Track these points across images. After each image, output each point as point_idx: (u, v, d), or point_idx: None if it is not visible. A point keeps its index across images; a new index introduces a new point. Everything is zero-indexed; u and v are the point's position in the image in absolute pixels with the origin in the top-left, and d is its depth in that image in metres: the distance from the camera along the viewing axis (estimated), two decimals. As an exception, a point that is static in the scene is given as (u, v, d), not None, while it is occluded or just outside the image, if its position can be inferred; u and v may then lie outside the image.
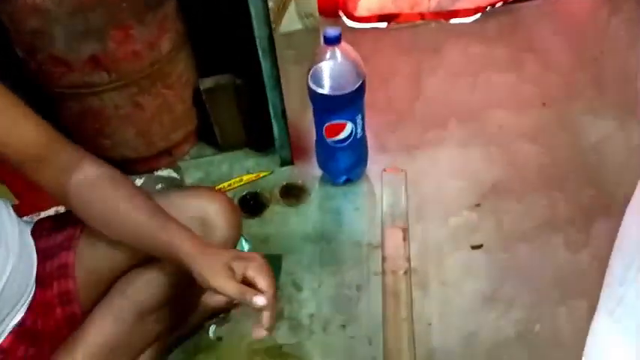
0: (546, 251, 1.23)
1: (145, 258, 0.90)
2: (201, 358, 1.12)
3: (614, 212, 0.76)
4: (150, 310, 0.93)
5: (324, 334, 1.14)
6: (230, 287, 0.74)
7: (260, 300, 0.74)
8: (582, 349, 1.05)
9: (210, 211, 0.93)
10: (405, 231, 1.28)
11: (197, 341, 1.15)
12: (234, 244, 1.00)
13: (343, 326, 1.15)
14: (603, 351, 0.98)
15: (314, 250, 1.29)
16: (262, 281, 0.76)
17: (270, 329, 0.77)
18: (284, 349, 1.12)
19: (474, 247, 1.25)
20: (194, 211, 0.91)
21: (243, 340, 1.14)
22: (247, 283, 0.76)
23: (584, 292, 1.14)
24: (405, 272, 1.20)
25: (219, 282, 0.74)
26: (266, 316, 0.76)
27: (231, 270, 0.75)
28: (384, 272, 1.20)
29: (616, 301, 0.96)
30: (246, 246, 1.28)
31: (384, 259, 1.22)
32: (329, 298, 1.20)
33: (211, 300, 1.10)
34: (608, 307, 0.99)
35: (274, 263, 1.26)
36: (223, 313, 1.17)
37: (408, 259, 1.22)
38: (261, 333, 0.77)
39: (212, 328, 1.16)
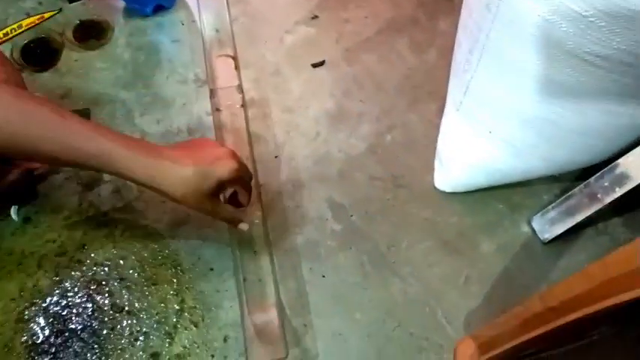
0: (392, 57, 1.12)
1: None
2: (8, 246, 0.91)
3: (458, 5, 0.64)
4: None
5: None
6: (225, 211, 0.78)
7: (245, 227, 0.81)
8: (434, 149, 1.00)
9: None
10: (235, 59, 1.09)
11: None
12: None
13: (178, 177, 0.98)
14: (454, 144, 0.92)
15: (130, 97, 1.06)
16: (244, 198, 0.83)
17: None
18: (110, 214, 0.94)
19: (315, 65, 1.11)
20: None
21: (57, 216, 0.93)
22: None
23: (433, 93, 1.07)
24: (242, 105, 1.03)
25: (199, 206, 0.75)
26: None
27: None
28: (217, 109, 1.03)
29: (462, 91, 0.89)
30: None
31: (213, 93, 1.03)
32: (157, 150, 1.01)
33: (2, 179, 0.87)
34: (455, 101, 0.92)
35: (82, 120, 1.02)
36: (25, 190, 0.94)
37: (242, 90, 1.04)
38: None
39: (14, 208, 0.93)
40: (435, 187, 0.96)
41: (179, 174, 0.70)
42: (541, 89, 0.75)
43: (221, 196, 0.80)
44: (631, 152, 0.79)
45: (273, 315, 0.84)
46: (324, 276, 0.89)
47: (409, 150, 1.01)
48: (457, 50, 0.87)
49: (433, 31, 1.15)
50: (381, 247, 0.91)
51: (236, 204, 0.83)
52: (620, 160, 0.80)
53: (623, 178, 0.80)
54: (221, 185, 0.74)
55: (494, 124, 0.85)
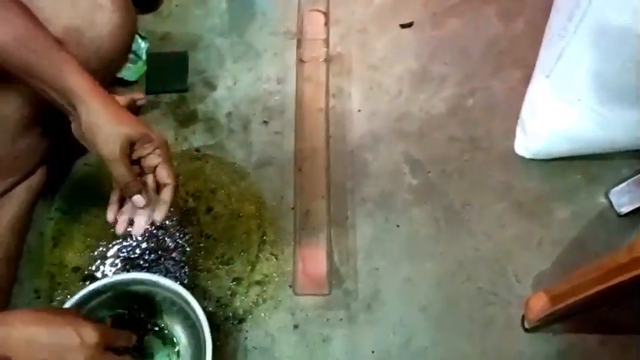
0: (479, 23, 1.13)
1: None
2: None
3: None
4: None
5: (244, 132, 1.03)
6: (120, 168, 0.64)
7: (140, 201, 0.66)
8: (517, 116, 1.01)
9: None
10: (327, 15, 1.13)
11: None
12: (128, 35, 0.81)
13: (265, 122, 1.04)
14: (540, 111, 0.93)
15: (224, 45, 1.12)
16: (164, 172, 0.68)
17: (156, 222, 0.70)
18: (202, 150, 1.01)
19: (403, 26, 1.13)
20: None
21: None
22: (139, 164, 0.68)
23: (517, 61, 1.07)
24: (326, 59, 1.07)
25: (109, 153, 0.63)
26: (161, 210, 0.69)
27: (130, 147, 0.65)
28: (301, 60, 1.07)
29: (555, 58, 0.89)
30: (143, 44, 1.08)
31: (299, 44, 1.07)
32: (246, 95, 1.07)
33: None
34: (545, 68, 0.93)
35: (179, 62, 1.09)
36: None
37: (328, 45, 1.08)
38: (139, 227, 0.70)
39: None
40: (514, 152, 0.98)
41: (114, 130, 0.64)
42: (639, 58, 0.75)
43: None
44: None
45: (322, 257, 0.87)
46: (398, 226, 0.94)
47: (490, 115, 1.02)
48: (554, 16, 0.88)
49: (523, 1, 1.15)
50: (455, 205, 0.95)
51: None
52: None
53: None
54: (131, 143, 0.66)
55: (584, 93, 0.85)
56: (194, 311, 0.76)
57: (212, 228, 0.94)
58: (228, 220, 0.95)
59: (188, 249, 0.92)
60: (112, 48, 0.78)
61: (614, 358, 0.83)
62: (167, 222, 0.94)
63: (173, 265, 0.91)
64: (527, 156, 0.97)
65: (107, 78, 0.84)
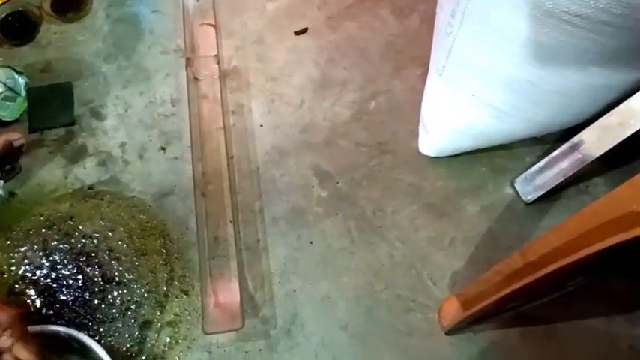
0: (375, 24, 1.11)
1: None
2: (-6, 221, 0.91)
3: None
4: None
5: (141, 162, 0.97)
6: None
7: None
8: (419, 115, 1.00)
9: None
10: (217, 28, 1.08)
11: (-17, 204, 0.92)
12: None
13: (163, 148, 0.98)
14: (437, 109, 0.93)
15: (111, 70, 1.05)
16: (24, 352, 0.62)
17: None
18: (96, 187, 0.94)
19: (298, 33, 1.10)
20: None
21: (43, 189, 0.93)
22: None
23: (416, 58, 1.07)
24: (220, 75, 1.03)
25: None
26: None
27: None
28: (195, 78, 1.02)
29: (445, 55, 0.89)
30: (21, 79, 1.00)
31: (190, 62, 1.02)
32: (140, 122, 1.00)
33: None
34: (437, 65, 0.91)
35: (63, 94, 1.01)
36: (8, 164, 0.93)
37: (219, 60, 1.03)
38: None
39: (-1, 184, 0.93)
40: (419, 153, 0.97)
41: None
42: (522, 51, 0.75)
43: None
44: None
45: (235, 287, 0.84)
46: (311, 242, 0.91)
47: (394, 116, 1.01)
48: (439, 13, 0.87)
49: (415, -3, 1.14)
50: (367, 213, 0.93)
51: None
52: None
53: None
54: None
55: (476, 87, 0.85)
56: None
57: (114, 271, 0.88)
58: (132, 259, 0.89)
59: (89, 298, 0.85)
60: None
61: (536, 349, 0.83)
62: (64, 270, 0.87)
63: (75, 317, 0.84)
64: (432, 155, 0.96)
65: None
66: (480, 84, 0.84)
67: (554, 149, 0.89)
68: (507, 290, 0.59)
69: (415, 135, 0.98)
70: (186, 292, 0.87)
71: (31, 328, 0.73)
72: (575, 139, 0.86)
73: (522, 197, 0.92)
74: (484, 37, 0.78)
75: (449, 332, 0.83)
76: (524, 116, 0.87)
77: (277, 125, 1.00)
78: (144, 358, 0.82)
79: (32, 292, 0.86)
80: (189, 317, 0.85)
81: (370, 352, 0.83)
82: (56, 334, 0.76)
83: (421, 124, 0.98)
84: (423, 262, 0.89)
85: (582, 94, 0.81)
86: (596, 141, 0.83)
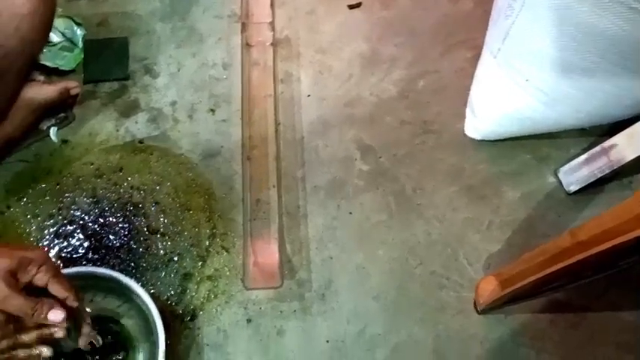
0: (428, 3, 1.11)
1: None
2: (46, 165, 0.94)
3: None
4: None
5: (190, 121, 0.99)
6: (16, 302, 0.58)
7: (59, 315, 0.60)
8: (467, 97, 1.00)
9: None
10: (273, -4, 1.09)
11: (39, 148, 0.95)
12: (48, 14, 0.76)
13: (212, 110, 1.00)
14: (488, 92, 0.93)
15: (166, 29, 1.07)
16: (57, 287, 0.61)
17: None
18: (146, 142, 0.97)
19: (351, 7, 1.10)
20: None
21: (94, 139, 0.97)
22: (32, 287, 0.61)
23: (467, 41, 1.07)
24: (273, 43, 1.04)
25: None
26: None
27: (14, 278, 0.58)
28: (247, 44, 1.03)
29: (501, 38, 0.89)
30: (79, 31, 1.03)
31: (244, 27, 1.03)
32: (191, 83, 1.02)
33: (38, 93, 0.88)
34: (492, 48, 0.92)
35: (119, 49, 1.04)
36: (63, 112, 0.96)
37: (274, 28, 1.05)
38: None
39: (53, 130, 0.95)
40: (464, 135, 0.98)
41: None
42: (583, 37, 0.75)
43: None
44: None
45: (274, 248, 0.87)
46: (350, 213, 0.92)
47: (440, 97, 1.02)
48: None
49: (471, -20, 1.13)
50: (407, 189, 0.94)
51: None
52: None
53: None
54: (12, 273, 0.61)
55: (530, 73, 0.85)
56: (147, 307, 0.74)
57: (159, 223, 0.91)
58: (176, 213, 0.92)
59: (134, 246, 0.89)
60: (32, 27, 0.74)
61: (564, 336, 0.84)
62: (111, 218, 0.91)
63: (119, 263, 0.87)
64: (477, 137, 0.97)
65: (29, 61, 0.80)
66: (535, 69, 0.84)
67: (600, 142, 0.89)
68: (551, 269, 0.60)
69: (461, 117, 0.99)
70: (227, 250, 0.89)
71: (70, 270, 0.77)
72: (614, 139, 0.85)
73: (565, 187, 0.92)
74: (544, 21, 0.78)
75: (481, 312, 0.84)
76: (575, 105, 0.87)
77: (324, 97, 1.02)
78: (183, 308, 0.85)
79: (79, 236, 0.89)
80: (228, 274, 0.88)
81: (400, 324, 0.85)
82: (95, 275, 0.78)
83: (469, 106, 0.98)
84: (459, 242, 0.90)
85: (637, 86, 0.80)
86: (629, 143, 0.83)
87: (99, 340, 0.70)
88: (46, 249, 0.63)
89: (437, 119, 1.00)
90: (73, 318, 0.65)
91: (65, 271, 0.75)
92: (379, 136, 0.98)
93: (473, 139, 0.97)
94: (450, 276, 0.88)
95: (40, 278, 0.61)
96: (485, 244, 0.90)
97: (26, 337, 0.62)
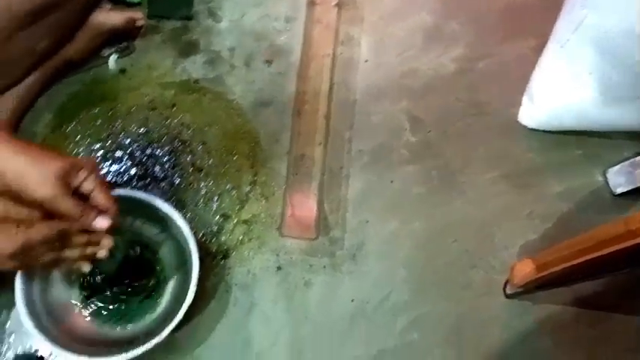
0: (498, -14, 1.09)
1: None
2: (102, 91, 0.96)
3: None
4: (26, 16, 0.73)
5: (246, 69, 1.00)
6: (64, 205, 0.60)
7: (104, 222, 0.63)
8: (525, 85, 0.99)
9: None
10: (343, -43, 1.08)
11: (96, 73, 0.97)
12: None
13: (269, 61, 1.01)
14: (549, 82, 0.92)
15: (234, -24, 1.08)
16: (101, 196, 0.63)
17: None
18: (201, 83, 0.98)
19: (420, -21, 1.09)
20: None
21: (152, 73, 0.98)
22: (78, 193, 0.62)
23: (532, 29, 1.05)
24: (338, 4, 1.04)
25: (46, 195, 0.58)
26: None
27: (66, 180, 0.60)
28: (312, 2, 1.03)
29: (572, 28, 0.87)
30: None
31: (314, -15, 1.03)
32: (252, 31, 1.03)
33: (107, 19, 0.90)
34: (561, 38, 0.90)
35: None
36: (125, 41, 0.98)
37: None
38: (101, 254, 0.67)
39: (113, 57, 0.97)
40: (516, 122, 0.97)
41: None
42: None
43: None
44: None
45: (313, 203, 0.89)
46: (392, 181, 0.93)
47: (498, 80, 1.00)
48: (578, -16, 0.85)
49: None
50: (452, 166, 0.94)
51: None
52: None
53: None
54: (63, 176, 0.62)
55: (596, 67, 0.83)
56: (184, 238, 0.76)
57: (204, 162, 0.92)
58: (222, 156, 0.93)
59: (177, 180, 0.91)
60: None
61: (585, 332, 0.84)
62: (158, 151, 0.92)
63: (161, 195, 0.89)
64: (531, 126, 0.96)
65: None
66: (601, 63, 0.82)
67: (656, 148, 0.87)
68: (593, 255, 0.60)
69: (516, 103, 0.98)
70: (266, 198, 0.91)
71: (114, 191, 0.78)
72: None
73: (611, 188, 0.91)
74: (619, 15, 0.76)
75: (509, 296, 0.85)
76: (635, 108, 0.85)
77: (381, 63, 1.01)
78: (216, 246, 0.87)
79: (127, 162, 0.92)
80: (264, 220, 0.89)
81: (425, 296, 0.86)
82: (138, 200, 0.79)
83: (527, 93, 0.97)
84: (497, 226, 0.90)
85: None
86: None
87: (136, 250, 0.72)
88: (97, 160, 0.64)
89: (491, 102, 0.99)
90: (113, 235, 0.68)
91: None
92: (431, 111, 0.98)
93: (525, 127, 0.96)
94: (483, 257, 0.88)
95: (88, 185, 0.62)
96: (522, 232, 0.89)
97: (70, 254, 0.64)
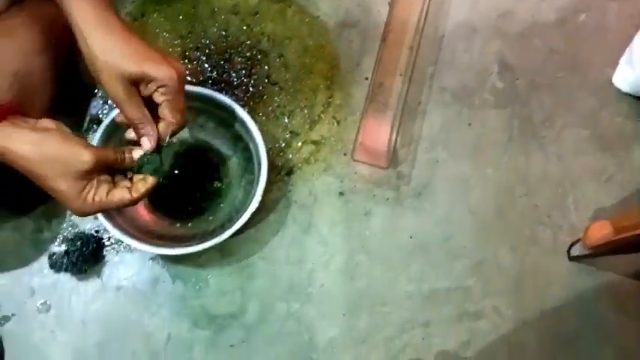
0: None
1: None
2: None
3: None
4: None
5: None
6: (129, 108, 0.59)
7: (146, 144, 0.61)
8: (626, 46, 0.93)
9: None
10: None
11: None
12: None
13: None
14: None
15: None
16: (166, 111, 0.60)
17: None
18: (286, -6, 0.94)
19: None
20: None
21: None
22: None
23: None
24: None
25: (113, 86, 0.57)
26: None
27: (136, 86, 0.59)
28: None
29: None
30: None
31: None
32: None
33: None
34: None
35: None
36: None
37: None
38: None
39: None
40: (610, 82, 0.91)
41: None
42: None
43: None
44: None
45: (386, 133, 0.85)
46: (470, 124, 0.89)
47: (598, 37, 0.94)
48: None
49: None
50: (535, 118, 0.89)
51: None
52: None
53: None
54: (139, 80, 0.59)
55: None
56: (255, 145, 0.76)
57: (280, 76, 0.90)
58: (298, 72, 0.90)
59: (251, 89, 0.89)
60: None
61: (637, 306, 0.81)
62: (236, 57, 0.90)
63: (234, 100, 0.87)
64: (624, 90, 0.90)
65: None
66: None
67: None
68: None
69: (613, 64, 0.91)
70: (338, 122, 0.88)
71: (194, 88, 0.77)
72: None
73: (702, 165, 0.86)
74: None
75: (572, 259, 0.82)
76: None
77: (478, 1, 0.96)
78: (282, 162, 0.86)
79: (204, 64, 0.90)
80: (333, 144, 0.87)
81: (488, 244, 0.84)
82: (214, 101, 0.79)
83: (627, 54, 0.90)
84: (572, 186, 0.86)
85: None
86: None
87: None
88: (183, 68, 0.61)
89: (587, 58, 0.93)
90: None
91: (189, 87, 0.76)
92: (523, 58, 0.92)
93: (618, 90, 0.90)
94: (552, 215, 0.85)
95: (157, 97, 0.60)
96: (598, 196, 0.86)
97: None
